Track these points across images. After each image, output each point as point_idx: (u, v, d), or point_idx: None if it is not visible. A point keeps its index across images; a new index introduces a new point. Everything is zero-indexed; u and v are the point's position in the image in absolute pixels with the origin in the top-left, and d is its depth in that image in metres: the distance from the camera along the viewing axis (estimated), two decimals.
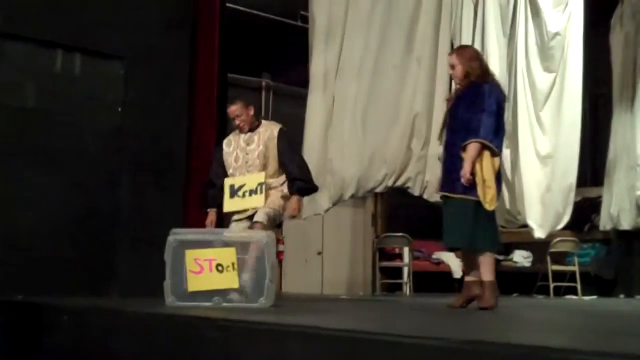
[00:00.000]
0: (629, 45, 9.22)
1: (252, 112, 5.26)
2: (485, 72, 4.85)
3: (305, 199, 7.52)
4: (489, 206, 4.52)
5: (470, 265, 4.74)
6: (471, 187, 4.50)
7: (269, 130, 5.25)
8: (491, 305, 4.55)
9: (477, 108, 4.61)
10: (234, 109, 5.24)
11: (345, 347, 2.45)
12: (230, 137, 5.38)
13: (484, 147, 4.53)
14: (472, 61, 4.84)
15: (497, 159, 4.64)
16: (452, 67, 4.85)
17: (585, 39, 7.76)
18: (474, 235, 4.56)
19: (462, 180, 4.49)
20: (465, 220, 4.55)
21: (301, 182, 5.19)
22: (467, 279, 4.80)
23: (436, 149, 5.40)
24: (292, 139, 5.49)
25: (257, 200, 4.98)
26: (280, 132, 5.25)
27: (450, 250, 5.13)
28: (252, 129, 5.26)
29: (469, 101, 4.66)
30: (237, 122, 5.23)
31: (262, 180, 4.98)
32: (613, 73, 9.41)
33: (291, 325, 2.86)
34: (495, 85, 4.81)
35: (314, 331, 2.68)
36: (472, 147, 4.52)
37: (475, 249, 4.64)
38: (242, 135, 5.26)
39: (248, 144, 5.21)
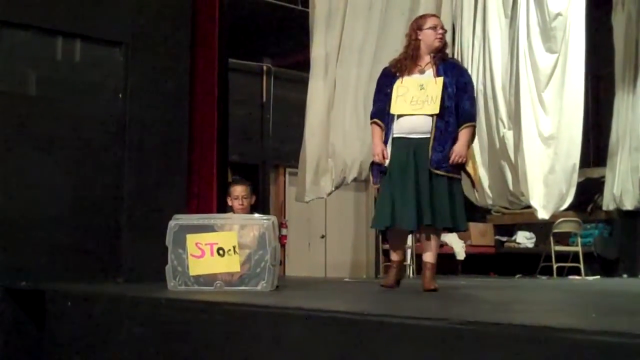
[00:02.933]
0: (631, 26, 9.17)
1: (252, 202, 5.08)
2: None
3: (308, 182, 7.55)
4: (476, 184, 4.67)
5: (403, 246, 4.87)
6: (457, 165, 4.53)
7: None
8: (437, 286, 4.50)
9: (467, 88, 4.62)
10: (242, 190, 5.05)
11: (348, 330, 2.46)
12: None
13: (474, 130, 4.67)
14: None
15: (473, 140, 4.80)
16: (445, 31, 4.74)
17: (587, 19, 7.71)
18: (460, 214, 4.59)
19: (455, 159, 4.45)
20: (459, 200, 4.58)
21: None
22: (399, 259, 4.86)
23: None
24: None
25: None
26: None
27: (451, 231, 5.09)
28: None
29: (457, 78, 4.59)
30: (238, 203, 5.00)
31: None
32: (615, 53, 9.37)
33: (293, 308, 2.86)
34: None
35: (316, 314, 2.68)
36: (470, 131, 4.57)
37: (458, 228, 4.75)
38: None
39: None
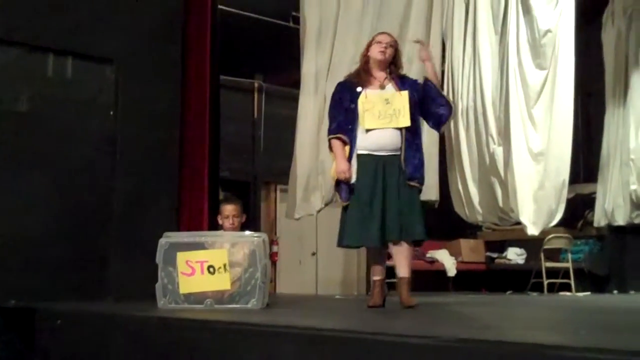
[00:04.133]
0: (620, 42, 9.24)
1: (243, 220, 5.07)
2: None
3: (298, 199, 7.55)
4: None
5: (383, 265, 4.78)
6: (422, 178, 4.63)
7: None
8: (416, 302, 4.53)
9: (431, 93, 4.74)
10: (233, 209, 4.99)
11: (339, 348, 2.45)
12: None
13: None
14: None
15: None
16: (390, 46, 4.75)
17: (576, 35, 7.76)
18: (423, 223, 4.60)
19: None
20: (422, 210, 4.62)
21: None
22: (379, 278, 4.78)
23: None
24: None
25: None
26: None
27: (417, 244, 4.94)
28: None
29: (417, 91, 4.69)
30: (229, 222, 4.93)
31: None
32: (605, 70, 9.43)
33: (284, 327, 2.85)
34: None
35: (307, 332, 2.68)
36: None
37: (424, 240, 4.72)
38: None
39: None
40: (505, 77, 7.78)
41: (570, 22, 7.63)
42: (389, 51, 4.70)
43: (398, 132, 4.54)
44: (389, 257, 4.81)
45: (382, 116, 4.56)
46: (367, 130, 4.57)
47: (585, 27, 8.84)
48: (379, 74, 4.70)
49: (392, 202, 4.46)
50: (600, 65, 9.47)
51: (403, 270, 4.60)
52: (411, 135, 4.57)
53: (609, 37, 9.40)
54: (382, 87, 4.66)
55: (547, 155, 7.63)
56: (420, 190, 4.61)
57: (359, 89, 4.65)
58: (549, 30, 7.68)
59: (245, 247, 4.24)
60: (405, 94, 4.59)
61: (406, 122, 4.53)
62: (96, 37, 5.59)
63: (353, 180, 4.56)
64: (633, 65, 9.07)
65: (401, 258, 4.62)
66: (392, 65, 4.74)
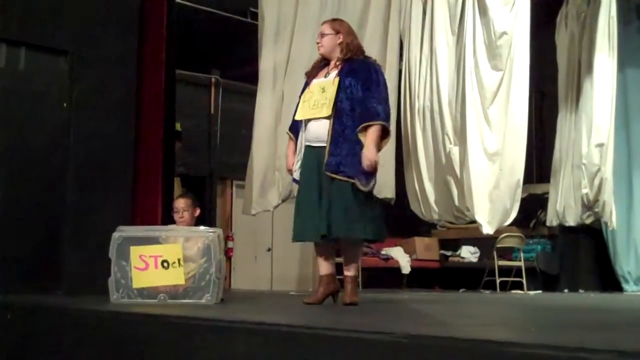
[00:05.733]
0: (573, 45, 9.39)
1: (196, 214, 5.03)
2: (364, 50, 4.71)
3: (255, 195, 7.53)
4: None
5: (329, 259, 4.57)
6: (365, 171, 4.34)
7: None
8: (357, 300, 4.41)
9: (375, 86, 4.43)
10: (182, 202, 4.89)
11: (292, 344, 2.45)
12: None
13: (382, 130, 4.40)
14: (353, 35, 4.69)
15: (387, 140, 4.53)
16: (324, 35, 4.59)
17: (532, 38, 7.86)
18: (369, 223, 4.41)
19: (366, 164, 4.29)
20: (362, 206, 4.38)
21: None
22: (324, 272, 4.57)
23: None
24: None
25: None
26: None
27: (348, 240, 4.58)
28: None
29: (362, 78, 4.44)
30: (178, 216, 4.86)
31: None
32: (559, 72, 9.58)
33: (237, 322, 2.84)
34: (380, 67, 4.69)
35: (260, 327, 2.67)
36: (376, 130, 4.34)
37: (358, 238, 4.50)
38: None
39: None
40: (462, 77, 7.84)
41: (526, 24, 7.72)
42: (326, 40, 4.57)
43: (328, 122, 4.40)
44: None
45: (315, 105, 4.46)
46: (306, 122, 4.52)
47: (540, 30, 8.95)
48: (331, 63, 4.61)
49: (325, 195, 4.35)
50: (555, 67, 9.61)
51: (347, 268, 4.53)
52: (340, 126, 4.38)
53: (562, 40, 9.55)
54: (327, 75, 4.56)
55: (502, 155, 7.71)
56: (356, 185, 4.33)
57: (308, 81, 4.66)
58: (504, 32, 7.76)
59: (200, 242, 4.21)
60: (336, 81, 4.44)
61: (324, 112, 4.39)
62: (49, 28, 5.51)
63: (296, 176, 4.57)
64: (585, 70, 9.22)
65: (346, 255, 4.57)
66: (343, 50, 4.57)
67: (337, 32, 4.61)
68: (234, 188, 10.87)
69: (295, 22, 7.55)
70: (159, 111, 6.20)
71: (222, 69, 10.93)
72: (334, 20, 4.87)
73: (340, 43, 4.58)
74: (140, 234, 4.29)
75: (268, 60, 7.61)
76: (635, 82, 9.77)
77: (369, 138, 4.32)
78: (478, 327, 3.05)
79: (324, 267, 4.58)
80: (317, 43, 4.67)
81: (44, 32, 5.49)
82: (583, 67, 9.26)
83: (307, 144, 4.52)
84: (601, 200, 8.96)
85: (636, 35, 9.86)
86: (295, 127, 4.66)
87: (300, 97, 4.71)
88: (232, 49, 9.93)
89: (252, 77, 7.98)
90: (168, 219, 5.40)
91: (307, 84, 4.68)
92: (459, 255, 10.88)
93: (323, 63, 4.68)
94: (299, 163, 4.57)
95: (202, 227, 4.53)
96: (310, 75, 4.69)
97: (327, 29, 4.64)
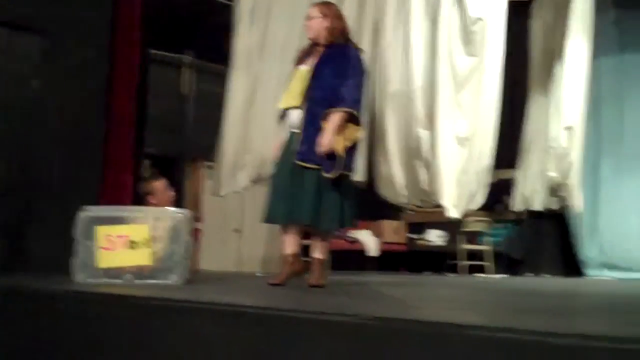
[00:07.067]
0: (547, 33, 9.43)
1: (170, 197, 4.93)
2: (349, 35, 4.68)
3: (225, 176, 7.50)
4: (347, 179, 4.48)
5: (295, 239, 4.53)
6: (328, 157, 4.33)
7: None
8: (323, 283, 4.42)
9: (346, 73, 4.41)
10: (159, 185, 4.89)
11: (259, 325, 2.45)
12: None
13: (350, 117, 4.38)
14: (340, 19, 4.66)
15: (360, 130, 4.52)
16: (312, 18, 4.59)
17: (507, 25, 7.88)
18: (338, 211, 4.42)
19: (319, 150, 4.29)
20: (332, 196, 4.39)
21: None
22: (288, 252, 4.52)
23: None
24: None
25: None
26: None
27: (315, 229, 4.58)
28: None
29: (337, 64, 4.44)
30: (153, 199, 4.82)
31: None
32: (531, 58, 9.62)
33: (204, 303, 2.84)
34: (361, 52, 4.66)
35: (226, 308, 2.67)
36: (338, 117, 4.33)
37: (324, 227, 4.48)
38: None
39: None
40: (435, 62, 7.84)
41: (501, 11, 7.74)
42: (314, 23, 4.58)
43: (301, 110, 4.44)
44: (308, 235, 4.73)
45: (295, 94, 4.47)
46: (288, 110, 4.54)
47: (515, 18, 8.98)
48: (318, 48, 4.60)
49: (295, 181, 4.37)
50: (527, 54, 9.65)
51: (315, 252, 4.54)
52: (310, 114, 4.39)
53: (536, 27, 9.58)
54: (311, 62, 4.57)
55: (472, 140, 7.74)
56: (321, 174, 4.34)
57: (297, 67, 4.64)
58: (479, 18, 7.77)
59: (167, 222, 4.20)
60: (304, 69, 4.48)
61: (298, 100, 4.42)
62: (22, 6, 5.42)
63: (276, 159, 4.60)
64: (557, 57, 9.27)
65: (314, 238, 4.58)
66: (328, 35, 4.57)
67: (325, 16, 4.61)
68: (205, 169, 10.82)
69: (271, 4, 7.50)
70: (132, 90, 6.15)
71: (197, 50, 10.83)
72: (323, 3, 4.81)
73: (327, 27, 4.58)
74: (107, 214, 4.26)
75: (243, 41, 7.56)
76: (609, 70, 9.88)
77: (328, 124, 4.33)
78: (443, 310, 3.08)
79: (289, 246, 4.55)
80: (308, 23, 4.64)
81: (16, 10, 5.40)
82: (556, 53, 9.31)
83: (290, 129, 4.57)
84: (568, 184, 9.04)
85: (611, 25, 9.96)
86: (283, 114, 4.67)
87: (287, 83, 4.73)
88: (207, 29, 9.84)
89: (227, 58, 7.91)
90: (138, 199, 5.37)
91: (294, 70, 4.68)
92: (426, 239, 10.96)
93: (310, 47, 4.68)
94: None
95: (170, 208, 4.51)
96: (298, 61, 4.68)
97: (315, 12, 4.64)
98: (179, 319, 2.72)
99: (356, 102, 4.43)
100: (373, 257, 10.64)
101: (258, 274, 7.81)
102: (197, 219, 10.01)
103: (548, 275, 9.44)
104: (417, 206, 9.36)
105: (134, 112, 6.17)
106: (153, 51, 7.40)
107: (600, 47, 9.38)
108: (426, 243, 10.91)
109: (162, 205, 4.82)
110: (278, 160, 4.57)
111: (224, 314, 2.60)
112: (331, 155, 4.33)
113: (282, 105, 4.60)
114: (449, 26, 7.79)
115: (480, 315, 2.87)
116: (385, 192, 8.19)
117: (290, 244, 4.55)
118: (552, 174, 8.93)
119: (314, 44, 4.65)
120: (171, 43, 10.00)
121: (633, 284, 7.72)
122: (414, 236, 11.19)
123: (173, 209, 4.46)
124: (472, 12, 7.71)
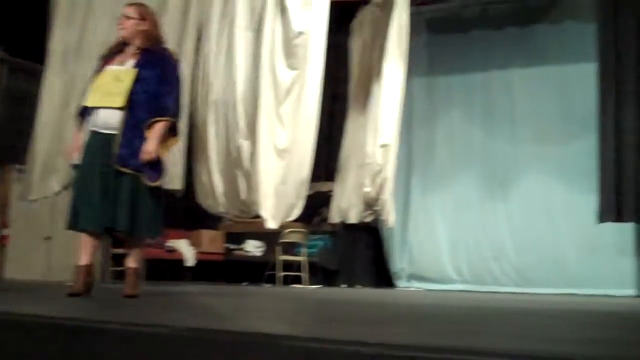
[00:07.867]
0: (365, 50, 9.77)
1: None
2: (163, 43, 4.66)
3: (35, 180, 7.15)
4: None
5: (92, 250, 4.48)
6: (150, 166, 4.30)
7: None
8: (137, 293, 4.39)
9: (170, 82, 4.42)
10: None
11: (65, 336, 2.36)
12: None
13: (171, 127, 4.41)
14: (156, 26, 4.63)
15: (176, 140, 4.59)
16: (128, 18, 4.49)
17: (329, 40, 8.06)
18: (153, 220, 4.39)
19: (144, 157, 4.25)
20: (149, 202, 4.35)
21: None
22: (83, 263, 4.44)
23: None
24: None
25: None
26: None
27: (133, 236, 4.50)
28: None
29: (161, 71, 4.42)
30: None
31: None
32: (350, 75, 9.92)
33: (4, 313, 2.69)
34: (179, 62, 4.69)
35: (30, 319, 2.55)
36: (163, 126, 4.34)
37: (141, 234, 4.45)
38: None
39: None
40: (258, 73, 7.90)
41: (323, 26, 7.92)
42: (130, 24, 4.48)
43: (120, 112, 4.31)
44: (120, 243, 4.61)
45: (107, 94, 4.33)
46: (97, 108, 4.37)
47: (336, 34, 9.23)
48: (130, 49, 4.49)
49: (110, 185, 4.25)
50: (347, 69, 9.95)
51: (130, 261, 4.45)
52: (133, 118, 4.30)
53: (356, 44, 9.90)
54: (123, 62, 4.45)
55: (291, 152, 7.86)
56: (144, 180, 4.30)
57: (102, 65, 4.49)
58: (302, 32, 7.92)
59: None
60: (133, 71, 4.36)
61: (118, 102, 4.29)
62: None
63: (76, 160, 4.40)
64: (375, 76, 9.62)
65: (129, 247, 4.48)
66: (144, 39, 4.49)
67: (143, 19, 4.52)
68: (12, 173, 10.26)
69: (90, 4, 7.25)
70: None
71: (8, 45, 10.27)
72: (141, 5, 4.69)
73: (144, 31, 4.50)
74: None
75: (59, 40, 7.25)
76: (421, 90, 10.43)
77: (154, 133, 4.30)
78: (256, 320, 3.10)
79: (85, 257, 4.43)
80: (119, 25, 4.51)
81: None
82: (374, 72, 9.65)
83: (94, 129, 4.37)
84: (382, 199, 9.39)
85: (424, 47, 10.50)
86: (84, 113, 4.48)
87: (92, 80, 4.54)
88: (21, 26, 9.36)
89: (43, 57, 7.56)
90: None
91: (101, 68, 4.51)
92: (243, 249, 10.98)
93: (120, 47, 4.54)
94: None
95: None
96: (106, 59, 4.53)
97: (132, 12, 4.53)
98: None
99: (178, 112, 4.46)
100: (190, 267, 10.52)
101: (69, 283, 7.50)
102: (3, 225, 9.49)
103: (361, 286, 9.75)
104: (236, 216, 9.38)
105: None
106: None
107: (413, 68, 9.85)
108: (244, 253, 10.93)
109: None
110: (82, 162, 4.37)
111: (21, 324, 2.47)
112: (154, 164, 4.29)
113: (90, 103, 4.41)
114: (273, 38, 7.88)
115: (292, 326, 2.91)
116: (204, 201, 8.14)
117: (87, 254, 4.43)
118: (368, 189, 9.26)
119: (124, 44, 4.54)
120: None
121: (439, 294, 8.14)
122: (232, 246, 11.18)
123: None
124: (295, 25, 7.84)
